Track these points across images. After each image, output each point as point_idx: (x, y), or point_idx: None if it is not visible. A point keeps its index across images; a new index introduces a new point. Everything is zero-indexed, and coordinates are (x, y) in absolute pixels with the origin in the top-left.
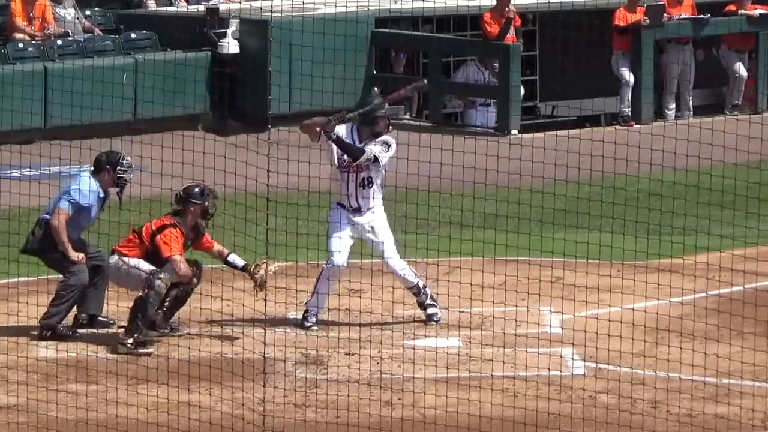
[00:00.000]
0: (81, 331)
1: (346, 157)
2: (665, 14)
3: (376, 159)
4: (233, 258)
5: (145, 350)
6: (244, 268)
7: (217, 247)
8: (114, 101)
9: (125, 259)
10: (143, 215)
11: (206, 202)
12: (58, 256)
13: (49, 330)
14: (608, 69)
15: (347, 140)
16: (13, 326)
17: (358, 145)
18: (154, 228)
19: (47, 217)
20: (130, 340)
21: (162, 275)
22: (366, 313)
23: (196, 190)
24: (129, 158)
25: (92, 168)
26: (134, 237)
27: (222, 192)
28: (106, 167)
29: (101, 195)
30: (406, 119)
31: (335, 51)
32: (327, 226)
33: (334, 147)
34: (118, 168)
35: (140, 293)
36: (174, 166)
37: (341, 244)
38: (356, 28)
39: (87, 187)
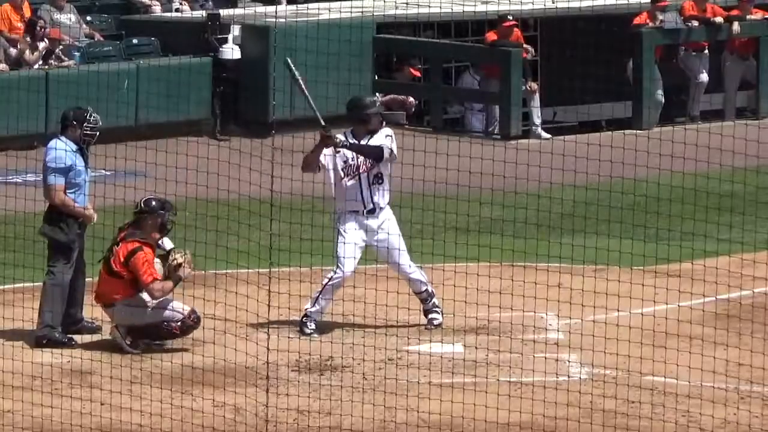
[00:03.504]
0: (76, 337)
1: (352, 161)
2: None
3: (392, 152)
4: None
5: None
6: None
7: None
8: (115, 106)
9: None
10: None
11: (166, 216)
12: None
13: (45, 339)
14: (609, 74)
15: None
16: (14, 331)
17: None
18: (122, 258)
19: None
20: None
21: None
22: (367, 318)
23: (154, 203)
24: (97, 116)
25: (60, 126)
26: (106, 276)
27: (225, 197)
28: (72, 123)
29: (76, 149)
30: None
31: (337, 56)
32: (336, 234)
33: (336, 159)
34: (85, 125)
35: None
36: (177, 171)
37: (354, 250)
38: (358, 34)
39: (56, 147)
